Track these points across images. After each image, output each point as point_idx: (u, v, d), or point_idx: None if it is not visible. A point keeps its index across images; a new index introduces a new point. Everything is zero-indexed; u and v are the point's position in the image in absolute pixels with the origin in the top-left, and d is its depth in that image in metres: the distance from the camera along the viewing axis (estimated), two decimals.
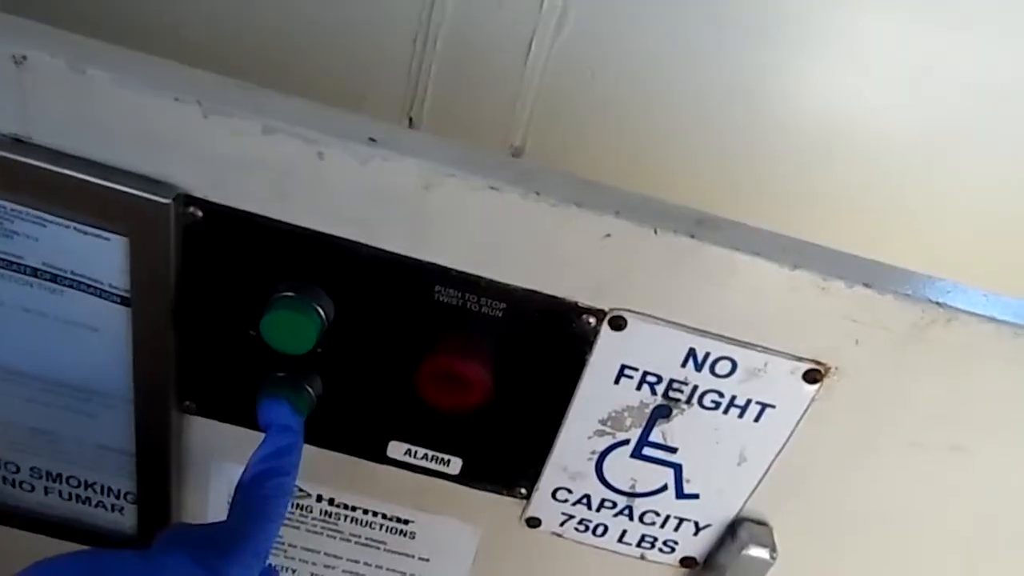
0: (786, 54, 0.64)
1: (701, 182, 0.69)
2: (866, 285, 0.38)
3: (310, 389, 0.42)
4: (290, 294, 0.39)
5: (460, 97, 0.67)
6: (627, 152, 0.69)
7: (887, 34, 0.63)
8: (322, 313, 0.39)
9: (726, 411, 0.42)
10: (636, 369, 0.41)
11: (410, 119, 0.69)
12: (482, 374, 0.39)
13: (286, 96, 0.36)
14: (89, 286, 0.40)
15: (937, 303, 0.38)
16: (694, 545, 0.47)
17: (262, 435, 0.41)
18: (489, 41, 0.65)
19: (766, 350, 0.40)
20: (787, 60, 0.65)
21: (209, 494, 0.49)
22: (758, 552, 0.45)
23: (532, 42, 0.64)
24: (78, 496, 0.49)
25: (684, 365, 0.40)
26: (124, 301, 0.40)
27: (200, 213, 0.38)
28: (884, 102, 0.66)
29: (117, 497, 0.49)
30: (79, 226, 0.38)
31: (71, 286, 0.40)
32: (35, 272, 0.40)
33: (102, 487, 0.48)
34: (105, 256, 0.39)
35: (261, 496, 0.38)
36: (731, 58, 0.64)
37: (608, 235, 0.37)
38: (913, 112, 0.66)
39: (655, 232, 0.37)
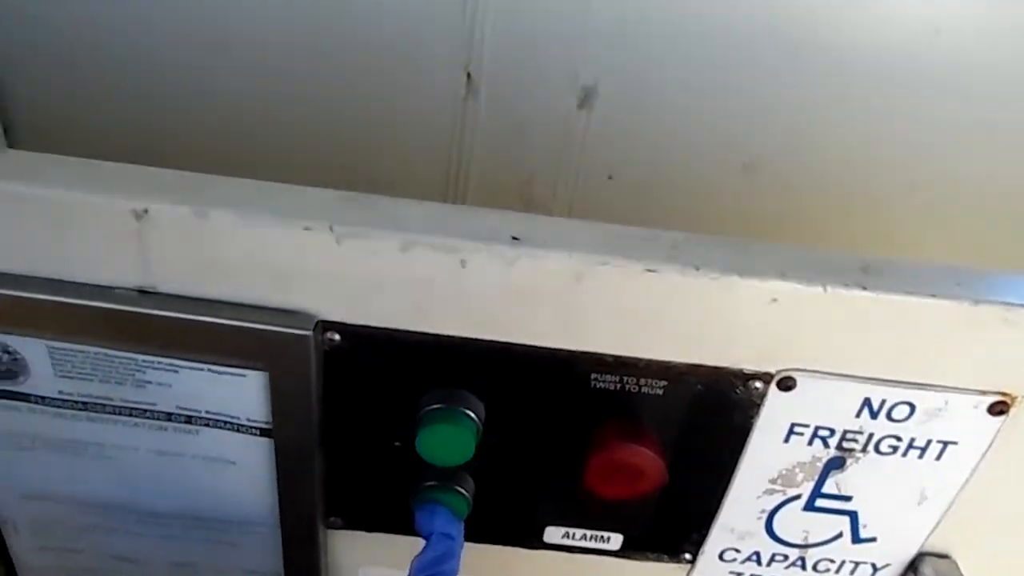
0: None
1: (785, 98, 0.62)
2: None
3: (465, 492, 0.40)
4: (439, 406, 0.36)
5: (521, 43, 0.61)
6: (711, 77, 0.62)
7: None
8: (475, 418, 0.37)
9: (904, 454, 0.39)
10: (807, 426, 0.38)
11: (468, 75, 0.63)
12: (655, 461, 0.36)
13: (418, 203, 0.34)
14: (226, 423, 0.38)
15: None
16: None
17: (410, 537, 0.40)
18: None
19: (946, 388, 0.37)
20: None
21: None
22: None
23: None
24: None
25: (859, 416, 0.38)
26: (263, 432, 0.38)
27: (339, 337, 0.35)
28: None
29: None
30: (213, 367, 0.36)
31: (207, 425, 0.38)
32: (168, 416, 0.38)
33: None
34: (242, 392, 0.37)
35: None
36: None
37: (775, 300, 0.34)
38: None
39: (824, 290, 0.34)
